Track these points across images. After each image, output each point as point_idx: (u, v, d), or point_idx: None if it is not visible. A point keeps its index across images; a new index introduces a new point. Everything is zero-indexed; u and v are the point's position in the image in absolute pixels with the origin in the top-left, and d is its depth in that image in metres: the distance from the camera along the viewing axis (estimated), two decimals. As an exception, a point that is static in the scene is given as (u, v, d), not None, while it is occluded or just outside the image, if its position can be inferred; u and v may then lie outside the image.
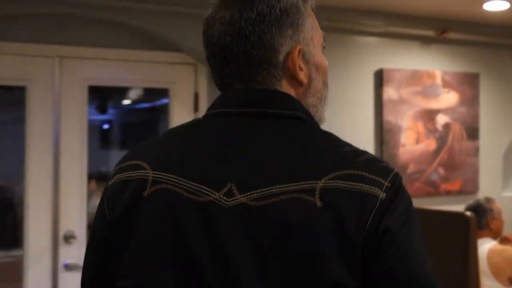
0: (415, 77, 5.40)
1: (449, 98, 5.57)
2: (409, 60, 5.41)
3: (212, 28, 1.29)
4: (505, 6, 4.95)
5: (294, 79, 1.27)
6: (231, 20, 1.25)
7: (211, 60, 1.31)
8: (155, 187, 1.18)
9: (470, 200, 4.60)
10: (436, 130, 5.51)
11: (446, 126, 5.55)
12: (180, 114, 4.62)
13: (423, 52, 5.48)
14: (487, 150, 5.76)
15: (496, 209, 4.29)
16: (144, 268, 1.15)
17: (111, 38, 4.41)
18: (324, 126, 1.30)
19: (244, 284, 1.08)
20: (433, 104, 5.49)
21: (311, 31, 1.30)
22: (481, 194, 5.33)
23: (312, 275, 1.06)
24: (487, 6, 4.97)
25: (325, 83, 1.34)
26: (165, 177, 1.18)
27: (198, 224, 1.13)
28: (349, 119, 5.11)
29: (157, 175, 1.19)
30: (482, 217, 4.16)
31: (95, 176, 4.71)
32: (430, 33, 5.39)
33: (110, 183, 1.28)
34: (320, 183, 1.10)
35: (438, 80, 5.51)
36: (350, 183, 1.11)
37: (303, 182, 1.10)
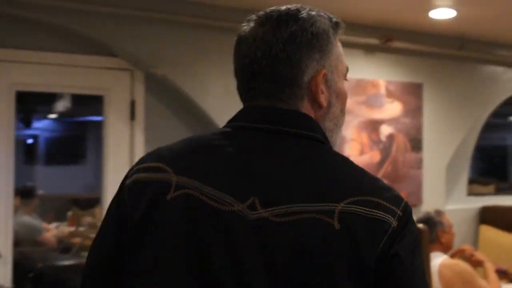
0: (359, 86, 5.27)
1: (393, 108, 5.45)
2: (353, 69, 5.22)
3: (245, 44, 1.34)
4: (451, 14, 4.87)
5: (315, 102, 1.33)
6: (264, 37, 1.31)
7: (238, 73, 1.36)
8: (179, 191, 1.22)
9: (414, 213, 4.45)
10: (380, 141, 5.38)
11: (390, 137, 5.43)
12: (115, 122, 4.36)
13: (367, 60, 5.35)
14: (430, 162, 5.66)
15: (446, 222, 4.17)
16: (161, 269, 1.20)
17: (42, 40, 4.13)
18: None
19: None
20: (377, 115, 5.37)
21: (337, 60, 1.36)
22: (425, 207, 5.23)
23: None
24: (433, 14, 4.88)
25: (342, 111, 1.39)
26: (189, 182, 1.23)
27: (218, 232, 1.18)
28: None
29: (181, 180, 1.23)
30: (432, 231, 4.03)
31: (19, 192, 4.43)
32: (374, 41, 5.27)
33: (128, 182, 1.31)
34: (339, 207, 1.18)
35: (382, 90, 5.39)
36: (367, 209, 1.19)
37: (324, 204, 1.18)
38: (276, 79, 1.30)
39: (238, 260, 1.16)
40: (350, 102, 5.03)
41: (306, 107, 1.32)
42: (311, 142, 1.29)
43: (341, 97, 1.39)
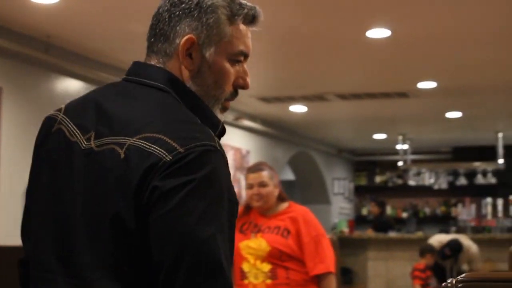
0: None
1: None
2: None
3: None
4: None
5: (182, 63, 1.55)
6: (160, 5, 1.58)
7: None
8: (57, 126, 1.55)
9: None
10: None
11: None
12: None
13: None
14: (7, 186, 4.57)
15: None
16: (30, 189, 1.58)
17: None
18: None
19: (67, 197, 1.46)
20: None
21: (221, 37, 1.55)
22: None
23: (103, 204, 1.40)
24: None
25: (217, 84, 1.57)
26: (64, 120, 1.55)
27: (65, 157, 1.50)
28: None
29: (62, 118, 1.56)
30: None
31: None
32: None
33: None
34: (131, 140, 1.41)
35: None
36: (147, 143, 1.39)
37: (122, 137, 1.42)
38: (157, 36, 1.57)
39: (71, 180, 1.46)
40: None
41: (173, 65, 1.56)
42: (153, 90, 1.52)
43: (216, 70, 1.56)
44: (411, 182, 11.55)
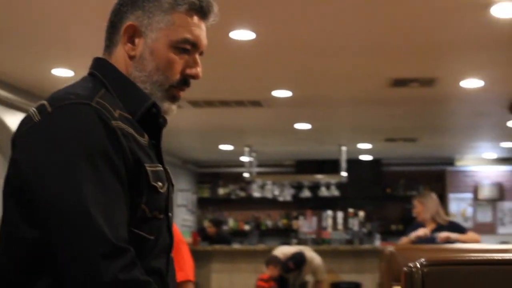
0: None
1: None
2: None
3: None
4: None
5: (124, 48, 1.65)
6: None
7: None
8: None
9: None
10: None
11: None
12: None
13: None
14: None
15: None
16: None
17: None
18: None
19: None
20: None
21: (165, 23, 1.62)
22: None
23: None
24: None
25: (159, 69, 1.63)
26: None
27: None
28: None
29: None
30: None
31: None
32: None
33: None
34: (32, 109, 1.55)
35: None
36: (33, 108, 1.54)
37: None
38: (109, 28, 1.67)
39: None
40: None
41: (118, 52, 1.65)
42: (84, 77, 1.65)
43: (157, 56, 1.63)
44: (256, 194, 11.55)
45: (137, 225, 1.52)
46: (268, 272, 7.30)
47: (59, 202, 1.40)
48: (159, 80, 1.63)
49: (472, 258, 0.96)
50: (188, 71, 1.66)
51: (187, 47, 1.65)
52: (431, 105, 7.62)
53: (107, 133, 1.47)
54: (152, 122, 1.66)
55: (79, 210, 1.38)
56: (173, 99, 1.67)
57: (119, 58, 1.63)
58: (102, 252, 1.36)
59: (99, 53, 1.70)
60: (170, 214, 1.65)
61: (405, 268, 0.97)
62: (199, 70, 1.68)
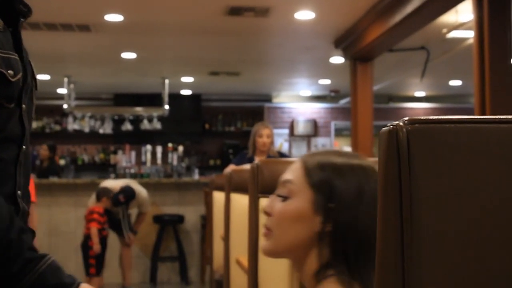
0: None
1: None
2: None
3: None
4: None
5: None
6: None
7: None
8: None
9: None
10: None
11: None
12: None
13: None
14: None
15: None
16: None
17: None
18: None
19: None
20: None
21: None
22: None
23: None
24: None
25: None
26: None
27: None
28: None
29: None
30: None
31: None
32: None
33: None
34: None
35: None
36: None
37: None
38: None
39: None
40: None
41: None
42: None
43: None
44: (75, 127, 11.13)
45: None
46: (102, 204, 7.07)
47: None
48: None
49: (458, 117, 0.90)
50: None
51: None
52: (262, 37, 7.67)
53: None
54: (10, 8, 1.57)
55: None
56: None
57: None
58: None
59: None
60: (23, 105, 1.58)
61: (385, 128, 0.89)
62: None
